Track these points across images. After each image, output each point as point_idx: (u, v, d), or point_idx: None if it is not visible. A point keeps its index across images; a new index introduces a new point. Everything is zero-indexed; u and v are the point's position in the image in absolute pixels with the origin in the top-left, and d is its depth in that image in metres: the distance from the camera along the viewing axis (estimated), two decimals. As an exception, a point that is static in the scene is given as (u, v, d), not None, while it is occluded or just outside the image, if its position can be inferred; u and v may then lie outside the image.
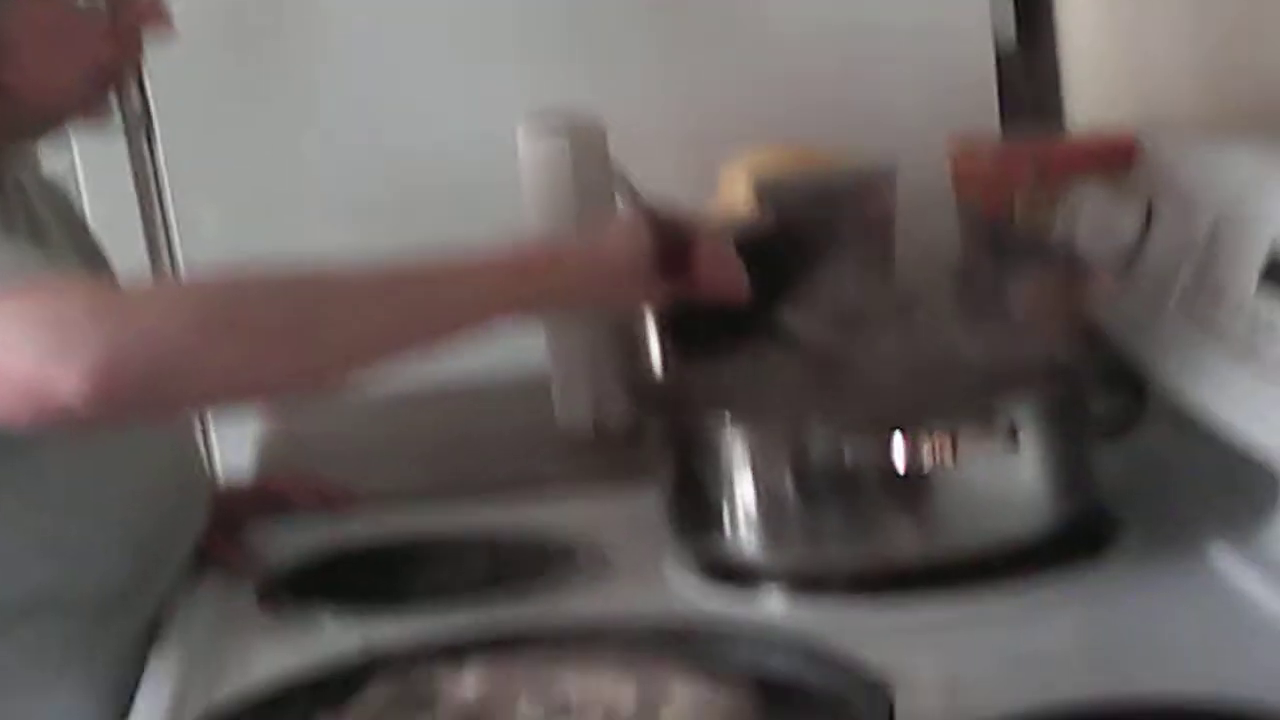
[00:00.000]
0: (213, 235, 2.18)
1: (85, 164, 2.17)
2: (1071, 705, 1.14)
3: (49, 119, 1.45)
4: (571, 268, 1.39)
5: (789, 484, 1.41)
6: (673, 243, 1.42)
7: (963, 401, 1.41)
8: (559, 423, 1.92)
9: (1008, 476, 1.40)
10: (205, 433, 2.16)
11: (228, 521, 1.65)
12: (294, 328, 1.24)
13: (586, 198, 1.81)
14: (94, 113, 1.45)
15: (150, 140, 2.21)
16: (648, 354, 1.72)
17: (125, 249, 2.09)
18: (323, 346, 1.26)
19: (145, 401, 1.22)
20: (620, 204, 1.46)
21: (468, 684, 1.20)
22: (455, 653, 1.24)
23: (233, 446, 2.13)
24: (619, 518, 1.63)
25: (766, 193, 1.79)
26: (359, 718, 1.19)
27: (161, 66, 1.93)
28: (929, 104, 2.13)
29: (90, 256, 1.59)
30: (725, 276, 1.45)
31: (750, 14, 2.20)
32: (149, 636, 1.47)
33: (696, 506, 1.46)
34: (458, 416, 2.01)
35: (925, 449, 1.35)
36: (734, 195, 1.91)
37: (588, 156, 1.82)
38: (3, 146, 1.45)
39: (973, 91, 2.17)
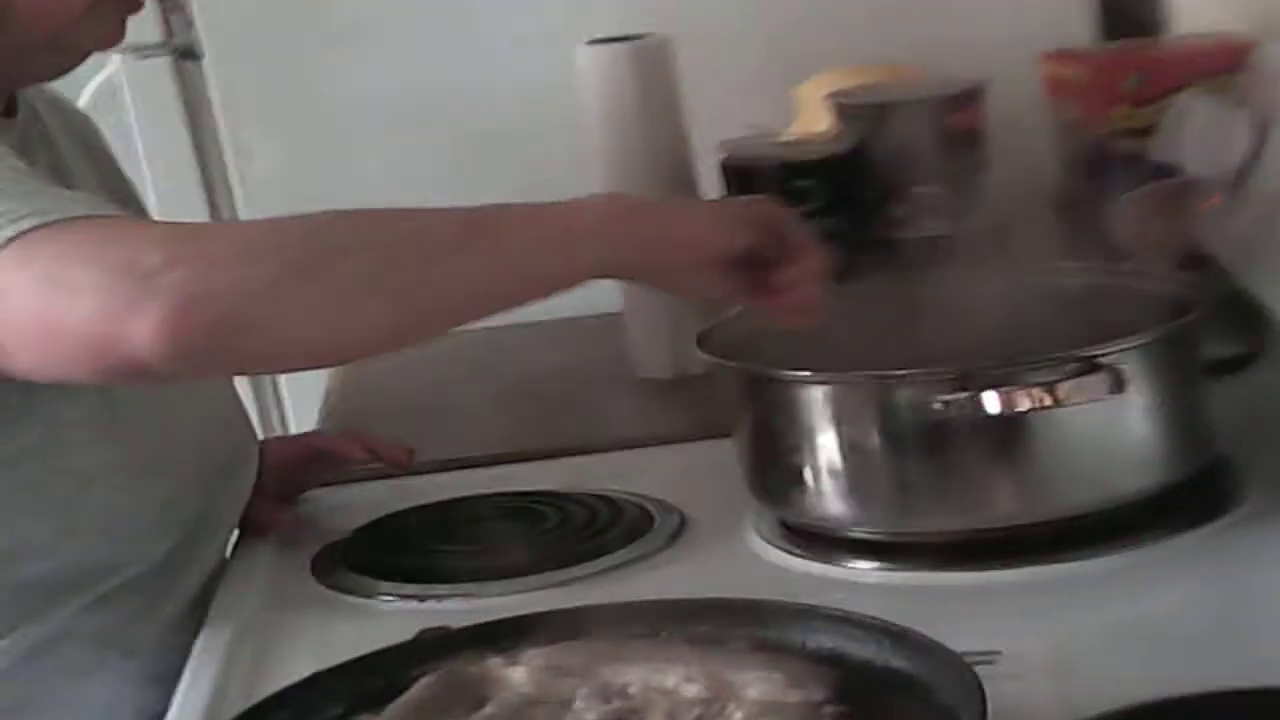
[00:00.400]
0: (268, 167, 2.08)
1: (135, 96, 2.08)
2: (1194, 696, 1.02)
3: (59, 45, 1.34)
4: (653, 232, 1.26)
5: (875, 440, 1.29)
6: (772, 247, 1.29)
7: (1064, 344, 1.29)
8: (637, 370, 1.81)
9: (1115, 427, 1.28)
10: (275, 386, 2.07)
11: (276, 483, 1.55)
12: (387, 279, 1.14)
13: (650, 118, 1.69)
14: (108, 40, 1.35)
15: (200, 68, 2.12)
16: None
17: (178, 184, 2.00)
18: (415, 301, 1.17)
19: (220, 356, 1.13)
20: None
21: (520, 676, 1.11)
22: (510, 637, 1.15)
23: (303, 401, 2.03)
24: (698, 474, 1.53)
25: (846, 109, 1.67)
26: (401, 714, 1.09)
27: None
28: (1020, 16, 1.96)
29: (117, 192, 1.48)
30: (806, 301, 1.31)
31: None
32: (195, 617, 1.39)
33: (776, 465, 1.35)
34: (530, 361, 1.89)
35: (1023, 398, 1.23)
36: (812, 118, 1.79)
37: (652, 71, 1.70)
38: (13, 74, 1.35)
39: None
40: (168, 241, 1.11)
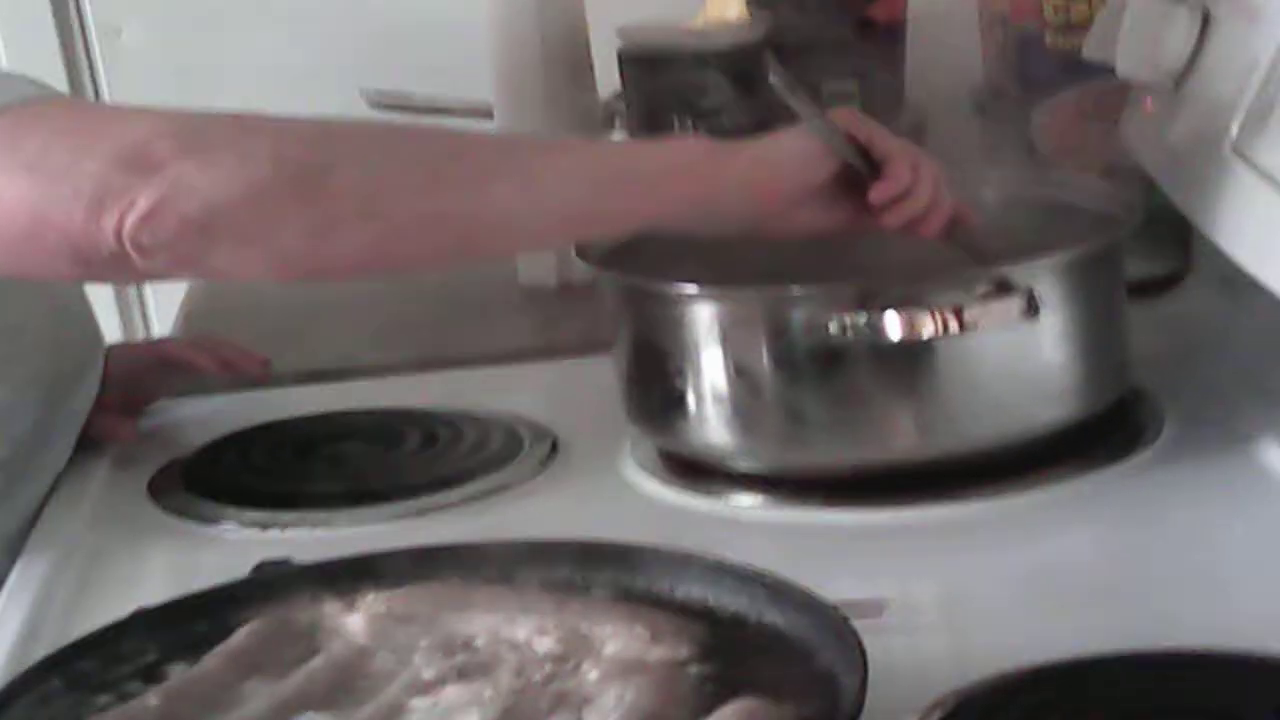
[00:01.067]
0: (135, 45, 1.94)
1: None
2: (1094, 659, 0.92)
3: None
4: (734, 176, 1.16)
5: (764, 364, 1.18)
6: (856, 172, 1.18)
7: (973, 261, 1.18)
8: (519, 276, 1.69)
9: (1026, 354, 1.17)
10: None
11: (119, 393, 1.43)
12: (397, 194, 1.08)
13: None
14: None
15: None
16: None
17: (40, 59, 1.88)
18: (418, 222, 1.09)
19: (204, 256, 1.06)
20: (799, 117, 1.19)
21: (356, 624, 0.99)
22: (352, 578, 1.03)
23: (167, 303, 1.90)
24: (577, 393, 1.42)
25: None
26: (221, 666, 0.97)
27: None
28: None
29: None
30: (939, 203, 1.19)
31: None
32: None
33: (655, 388, 1.23)
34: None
35: (927, 321, 1.12)
36: (720, 6, 1.67)
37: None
38: None
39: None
40: (165, 130, 1.05)
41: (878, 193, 1.17)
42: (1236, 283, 1.22)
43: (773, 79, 1.18)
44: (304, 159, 1.06)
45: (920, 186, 1.18)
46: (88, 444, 1.39)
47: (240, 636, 0.99)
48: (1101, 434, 1.22)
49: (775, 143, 1.18)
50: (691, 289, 1.19)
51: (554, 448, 1.32)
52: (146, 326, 1.96)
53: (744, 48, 1.54)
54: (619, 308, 1.26)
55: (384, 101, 1.71)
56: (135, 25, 1.94)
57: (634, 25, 1.55)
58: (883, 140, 1.18)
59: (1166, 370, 1.29)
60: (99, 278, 1.11)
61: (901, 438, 1.19)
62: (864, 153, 1.18)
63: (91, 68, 1.96)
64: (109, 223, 1.02)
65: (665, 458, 1.27)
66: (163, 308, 2.01)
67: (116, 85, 1.95)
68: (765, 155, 1.17)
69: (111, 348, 1.48)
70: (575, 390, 1.43)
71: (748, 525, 1.20)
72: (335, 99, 1.74)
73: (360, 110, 1.72)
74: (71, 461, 1.38)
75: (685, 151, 1.18)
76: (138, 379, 1.45)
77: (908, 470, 1.18)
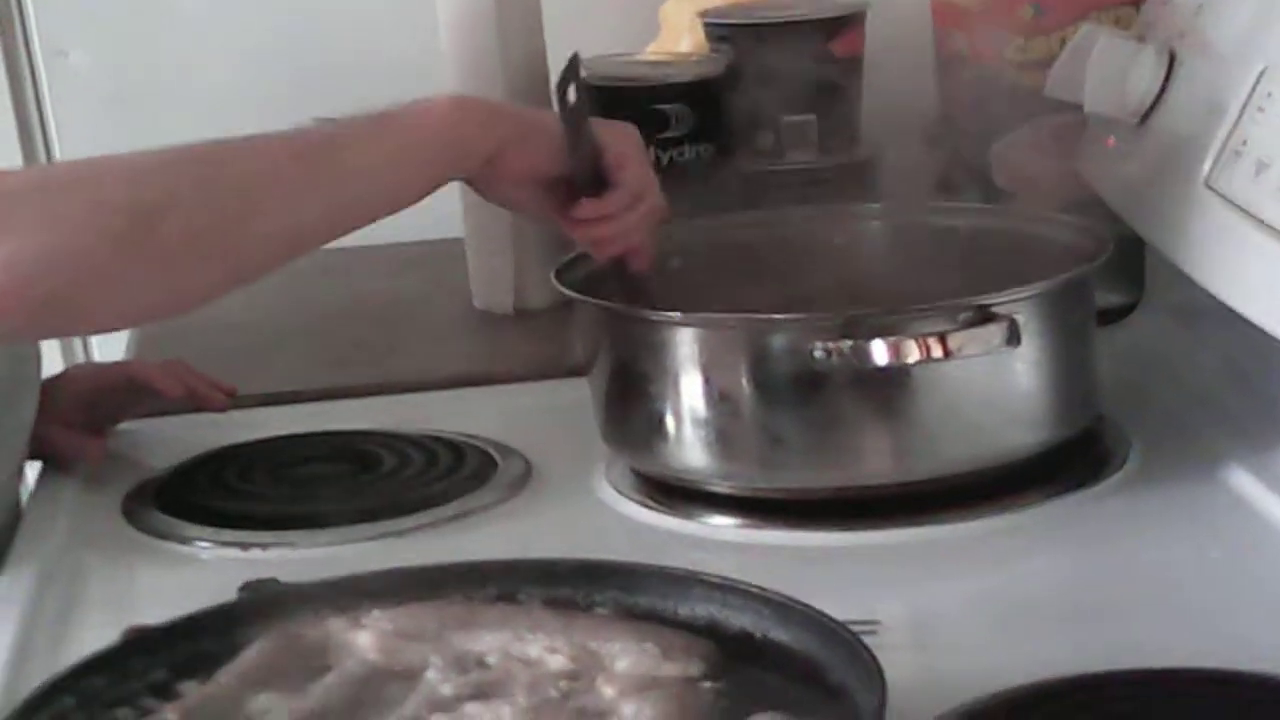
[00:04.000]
0: (81, 68, 1.93)
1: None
2: (1077, 678, 0.94)
3: None
4: (489, 137, 1.22)
5: (746, 389, 1.19)
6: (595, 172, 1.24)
7: (949, 291, 1.21)
8: (475, 301, 1.70)
9: (1002, 380, 1.19)
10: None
11: (84, 413, 1.42)
12: (225, 226, 1.11)
13: (506, 30, 1.58)
14: None
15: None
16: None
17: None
18: (254, 244, 1.14)
19: (61, 326, 1.13)
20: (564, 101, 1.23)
21: (365, 640, 1.00)
22: (351, 596, 1.03)
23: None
24: (541, 416, 1.44)
25: (716, 30, 1.57)
26: (234, 683, 0.97)
27: None
28: None
29: None
30: (630, 238, 1.26)
31: None
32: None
33: (634, 411, 1.25)
34: (360, 288, 1.77)
35: (912, 349, 1.14)
36: (674, 37, 1.69)
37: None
38: None
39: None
40: None
41: (581, 209, 1.24)
42: (1190, 311, 1.26)
43: (558, 79, 1.23)
44: (120, 213, 1.07)
45: (626, 218, 1.24)
46: (56, 463, 1.39)
47: (252, 653, 0.99)
48: (1070, 459, 1.24)
49: (541, 121, 1.24)
50: (676, 316, 1.21)
51: (527, 469, 1.33)
52: (85, 344, 1.94)
53: (705, 80, 1.56)
54: (597, 332, 1.27)
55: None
56: (81, 47, 1.92)
57: (596, 57, 1.57)
58: (628, 167, 1.24)
59: (1128, 396, 1.32)
60: None
61: (878, 461, 1.20)
62: (599, 169, 1.24)
63: (37, 90, 1.94)
64: None
65: (641, 479, 1.28)
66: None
67: (62, 108, 1.92)
68: (525, 127, 1.23)
69: (76, 367, 1.48)
70: (542, 413, 1.44)
71: (725, 546, 1.21)
72: (285, 122, 1.75)
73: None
74: (40, 481, 1.38)
75: (448, 113, 1.22)
76: (103, 399, 1.44)
77: (883, 493, 1.20)
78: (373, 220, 1.18)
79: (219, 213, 1.10)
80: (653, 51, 1.72)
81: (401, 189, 1.19)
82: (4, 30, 1.94)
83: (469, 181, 1.26)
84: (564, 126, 1.23)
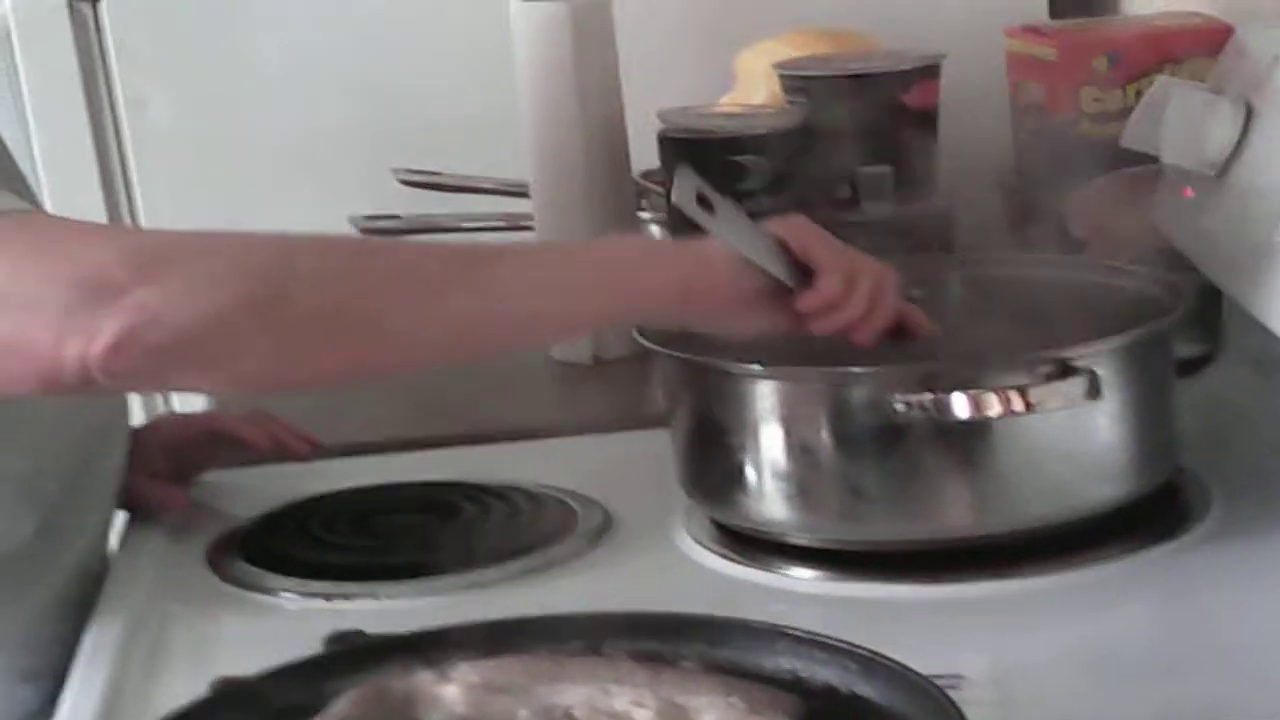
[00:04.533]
0: (163, 118, 1.95)
1: (23, 40, 1.95)
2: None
3: None
4: (672, 281, 1.18)
5: (827, 441, 1.20)
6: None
7: (1029, 343, 1.21)
8: (554, 352, 1.71)
9: (1084, 433, 1.20)
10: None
11: (170, 464, 1.44)
12: (361, 314, 1.09)
13: (585, 82, 1.59)
14: None
15: (96, 13, 1.98)
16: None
17: (68, 131, 1.89)
18: (386, 339, 1.11)
19: (173, 377, 1.11)
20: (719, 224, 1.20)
21: (453, 694, 1.01)
22: (437, 648, 1.04)
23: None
24: (620, 467, 1.44)
25: (793, 82, 1.58)
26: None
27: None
28: None
29: None
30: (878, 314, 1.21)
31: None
32: (68, 608, 1.28)
33: (715, 463, 1.26)
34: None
35: (993, 402, 1.14)
36: (753, 88, 1.70)
37: (589, 33, 1.61)
38: None
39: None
40: (126, 256, 1.05)
41: (803, 302, 1.19)
42: (1268, 362, 1.26)
43: (678, 196, 1.18)
44: (264, 282, 1.07)
45: (853, 296, 1.20)
46: (142, 514, 1.41)
47: (341, 705, 1.00)
48: (1151, 512, 1.24)
49: (713, 247, 1.19)
50: (756, 369, 1.22)
51: (607, 520, 1.34)
52: (166, 394, 1.96)
53: (782, 132, 1.57)
54: (680, 385, 1.28)
55: (414, 180, 1.73)
56: (162, 98, 1.94)
57: (674, 109, 1.58)
58: (818, 250, 1.20)
59: (1207, 448, 1.31)
60: (65, 395, 1.12)
61: (959, 514, 1.21)
62: (797, 262, 1.19)
63: (119, 141, 1.97)
64: (73, 352, 1.03)
65: (721, 531, 1.29)
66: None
67: (143, 158, 1.95)
68: (703, 260, 1.19)
69: (161, 418, 1.50)
70: (622, 464, 1.45)
71: (805, 598, 1.22)
72: (364, 175, 1.77)
73: (386, 187, 1.73)
74: (127, 531, 1.40)
75: (624, 253, 1.20)
76: (188, 449, 1.46)
77: (964, 546, 1.20)
78: (522, 344, 1.20)
79: (358, 299, 1.09)
80: (729, 103, 1.73)
81: (561, 316, 1.17)
82: (86, 81, 1.96)
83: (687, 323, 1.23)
84: (725, 239, 1.19)
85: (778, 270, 1.19)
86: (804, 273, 1.20)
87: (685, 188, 1.17)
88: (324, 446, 1.48)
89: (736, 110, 1.66)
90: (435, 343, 1.14)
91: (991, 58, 1.64)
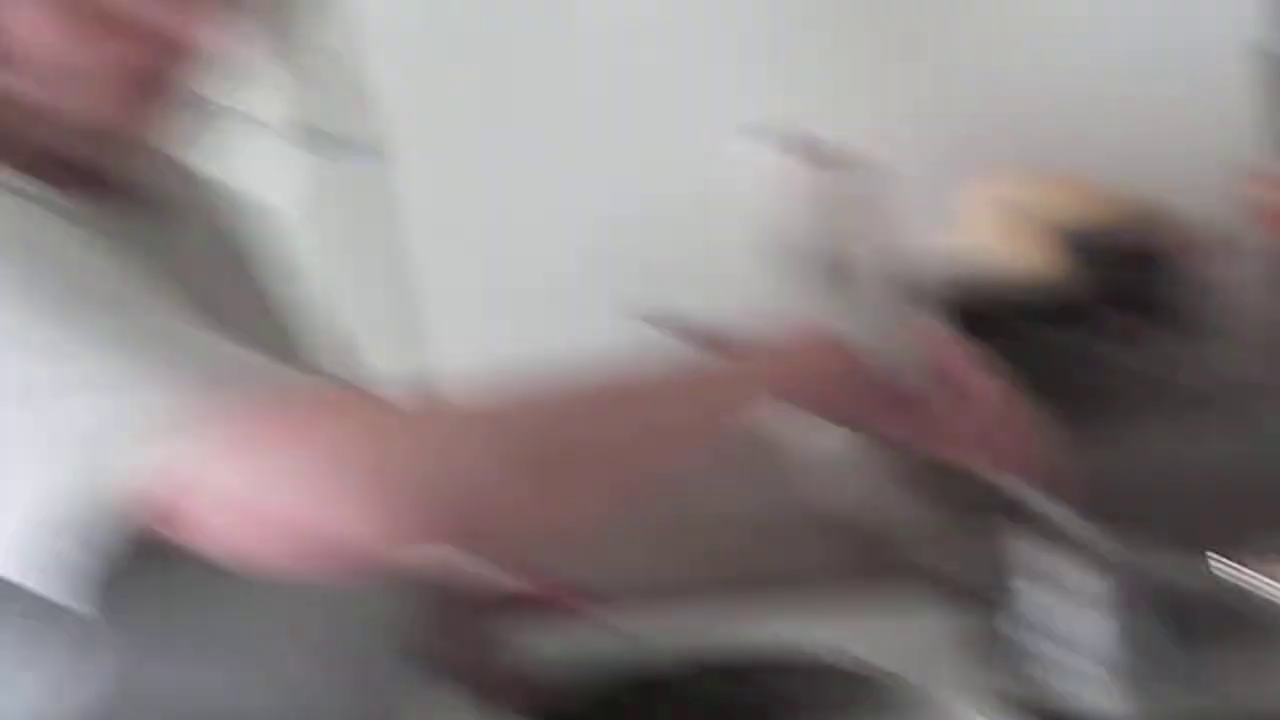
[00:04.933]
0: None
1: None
2: None
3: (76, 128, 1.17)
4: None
5: (1153, 622, 1.20)
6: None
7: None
8: (810, 505, 1.70)
9: None
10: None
11: (469, 628, 1.45)
12: (618, 486, 1.12)
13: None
14: (134, 125, 1.19)
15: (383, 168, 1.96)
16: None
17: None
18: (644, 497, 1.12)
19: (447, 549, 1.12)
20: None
21: None
22: None
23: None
24: (895, 634, 1.43)
25: (1077, 241, 1.57)
26: None
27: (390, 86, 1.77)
28: (1190, 128, 1.79)
29: (269, 310, 1.35)
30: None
31: (987, 27, 1.91)
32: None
33: (1017, 640, 1.26)
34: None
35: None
36: (977, 228, 1.70)
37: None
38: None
39: (1235, 112, 1.82)
40: (383, 428, 1.05)
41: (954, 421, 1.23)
42: None
43: None
44: (538, 450, 1.08)
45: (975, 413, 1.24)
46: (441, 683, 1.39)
47: None
48: None
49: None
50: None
51: (906, 690, 1.34)
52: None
53: (1075, 303, 1.57)
54: (971, 550, 1.29)
55: (662, 324, 1.71)
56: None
57: (953, 272, 1.59)
58: (970, 372, 1.24)
59: None
60: (319, 569, 1.09)
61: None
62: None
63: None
64: (392, 545, 1.03)
65: (1021, 707, 1.27)
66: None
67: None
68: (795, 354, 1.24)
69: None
70: (892, 627, 1.45)
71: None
72: (613, 314, 1.75)
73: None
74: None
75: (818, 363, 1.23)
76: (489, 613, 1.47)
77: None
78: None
79: (625, 467, 1.12)
80: (953, 239, 1.73)
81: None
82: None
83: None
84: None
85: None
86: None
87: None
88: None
89: (1017, 272, 1.63)
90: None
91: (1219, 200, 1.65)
